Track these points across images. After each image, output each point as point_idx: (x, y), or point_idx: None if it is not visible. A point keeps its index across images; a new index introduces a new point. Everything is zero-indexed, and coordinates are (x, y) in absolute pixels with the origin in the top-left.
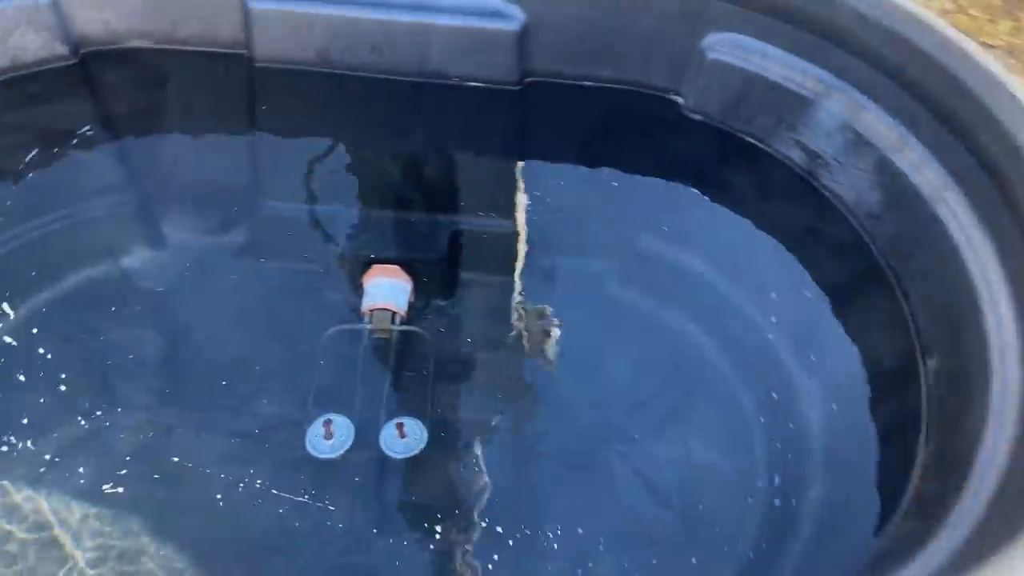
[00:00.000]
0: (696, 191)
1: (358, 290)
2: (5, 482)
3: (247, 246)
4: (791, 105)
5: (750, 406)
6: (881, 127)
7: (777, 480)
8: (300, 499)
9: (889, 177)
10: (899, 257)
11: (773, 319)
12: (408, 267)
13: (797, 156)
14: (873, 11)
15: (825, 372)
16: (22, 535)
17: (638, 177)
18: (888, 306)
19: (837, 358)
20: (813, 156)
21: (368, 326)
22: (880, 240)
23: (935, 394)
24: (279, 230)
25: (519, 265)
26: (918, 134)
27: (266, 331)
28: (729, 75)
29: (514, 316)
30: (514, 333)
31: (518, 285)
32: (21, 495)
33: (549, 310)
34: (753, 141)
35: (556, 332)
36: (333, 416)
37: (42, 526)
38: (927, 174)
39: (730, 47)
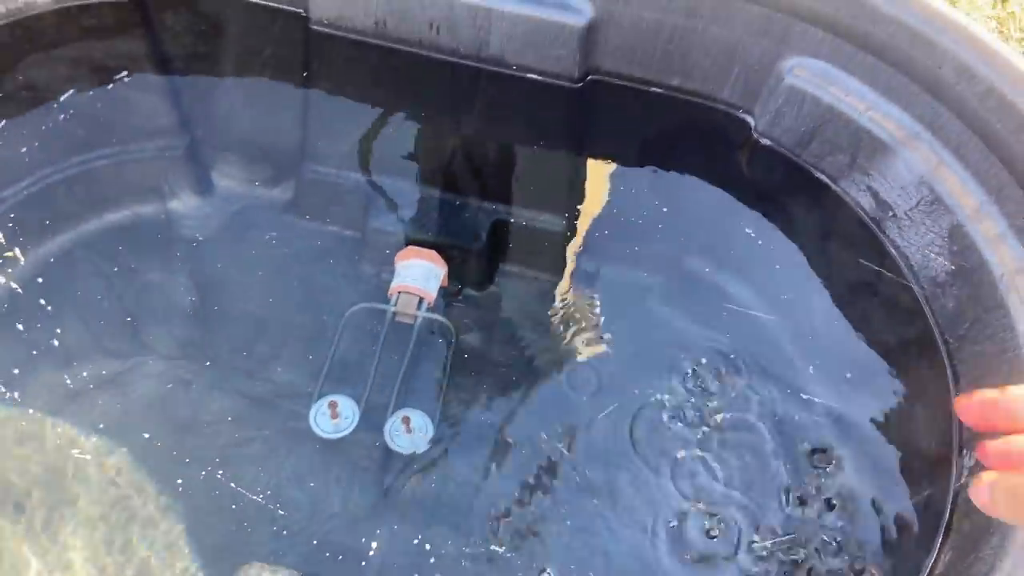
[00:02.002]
0: (754, 218)
1: (391, 267)
2: (27, 407)
3: (288, 205)
4: (869, 148)
5: (775, 455)
6: (962, 191)
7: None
8: (296, 471)
9: (961, 247)
10: (956, 335)
11: (812, 368)
12: (444, 252)
13: (866, 202)
14: (980, 67)
15: (856, 437)
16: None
17: (695, 193)
18: (935, 383)
19: (872, 425)
20: (883, 206)
21: (393, 308)
22: (939, 311)
23: (962, 498)
24: (320, 194)
25: (559, 266)
26: (1001, 207)
27: (293, 295)
28: (806, 103)
29: (542, 317)
30: (542, 337)
31: (556, 287)
32: (40, 422)
33: (598, 312)
34: (822, 177)
35: (577, 335)
36: (340, 398)
37: (54, 458)
38: (1003, 253)
39: (812, 74)
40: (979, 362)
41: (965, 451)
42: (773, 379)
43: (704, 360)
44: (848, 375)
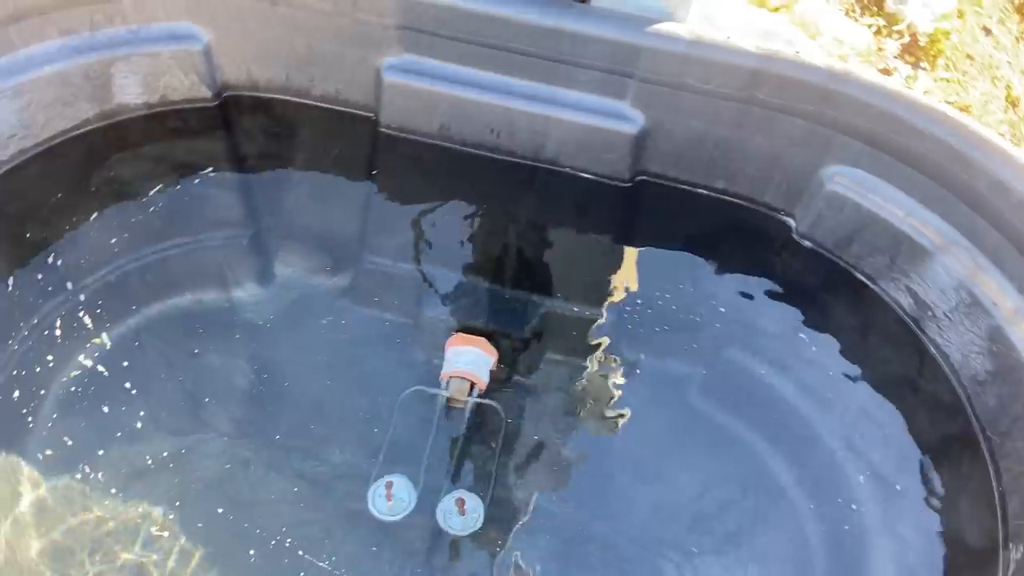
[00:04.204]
0: (794, 316)
1: (442, 353)
2: (91, 485)
3: (344, 293)
4: (907, 252)
5: (818, 546)
6: (1000, 295)
7: None
8: (352, 554)
9: (1000, 348)
10: (997, 431)
11: (855, 461)
12: (494, 339)
13: (906, 302)
14: (1013, 181)
15: (900, 532)
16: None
17: (736, 289)
18: (977, 478)
19: (915, 520)
20: (923, 307)
21: (445, 393)
22: (980, 408)
23: None
24: (376, 283)
25: (603, 354)
26: None
27: (348, 378)
28: (846, 208)
29: (587, 404)
30: (586, 422)
31: (600, 374)
32: (104, 501)
33: (616, 401)
34: (861, 277)
35: (621, 423)
36: (397, 478)
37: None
38: None
39: (852, 182)
40: (1022, 458)
41: (1011, 544)
42: (815, 472)
43: (744, 455)
44: (891, 468)
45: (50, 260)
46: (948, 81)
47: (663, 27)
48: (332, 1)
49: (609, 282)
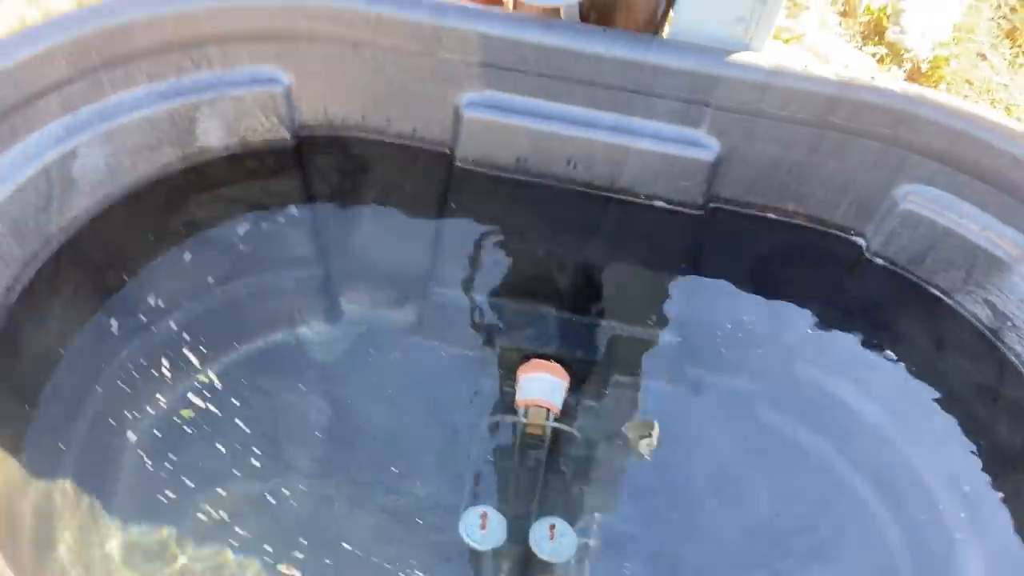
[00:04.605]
0: (867, 331)
1: (515, 381)
2: (175, 531)
3: (412, 327)
4: (984, 265)
5: (903, 559)
6: None
7: None
8: None
9: None
10: None
11: (935, 472)
12: (564, 365)
13: (983, 314)
14: None
15: (987, 541)
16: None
17: (806, 309)
18: None
19: (999, 527)
20: (1002, 317)
21: (523, 420)
22: None
23: None
24: (444, 315)
25: (671, 375)
26: None
27: (422, 411)
28: (920, 226)
29: (659, 425)
30: (659, 443)
31: (669, 394)
32: (189, 548)
33: (687, 421)
34: (936, 292)
35: (695, 442)
36: (488, 508)
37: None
38: None
39: (926, 200)
40: None
41: None
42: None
43: (821, 470)
44: (972, 476)
45: (129, 306)
46: None
47: (743, 57)
48: (417, 42)
49: (676, 306)
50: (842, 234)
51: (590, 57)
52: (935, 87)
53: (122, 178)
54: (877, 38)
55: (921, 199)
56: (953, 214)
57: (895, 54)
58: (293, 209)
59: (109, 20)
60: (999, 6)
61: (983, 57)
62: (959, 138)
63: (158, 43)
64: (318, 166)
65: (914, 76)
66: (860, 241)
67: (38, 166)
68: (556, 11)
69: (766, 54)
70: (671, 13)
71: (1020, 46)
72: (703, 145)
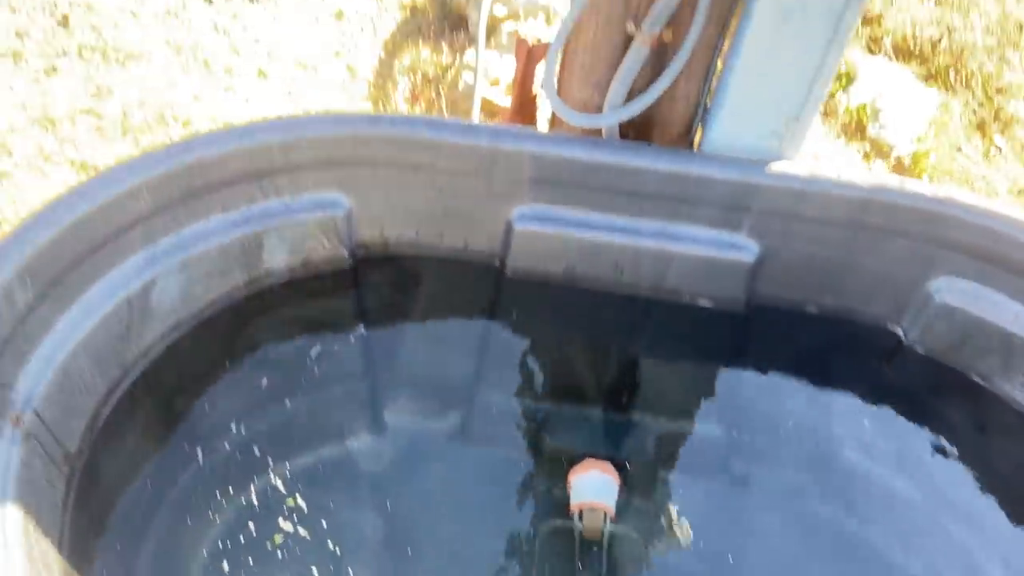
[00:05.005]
0: (910, 420)
1: (566, 484)
2: None
3: (456, 434)
4: (1020, 351)
5: None
6: None
7: None
8: None
9: None
10: None
11: (988, 556)
12: (615, 465)
13: (1023, 397)
14: None
15: None
16: None
17: (849, 400)
18: None
19: None
20: None
21: (580, 524)
22: None
23: None
24: (493, 421)
25: (719, 470)
26: None
27: (476, 519)
28: (955, 317)
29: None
30: (714, 538)
31: (718, 490)
32: None
33: (739, 516)
34: (976, 379)
35: (748, 537)
36: None
37: None
38: None
39: (959, 292)
40: None
41: None
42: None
43: (872, 558)
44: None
45: (191, 429)
46: None
47: (780, 166)
48: (473, 163)
49: (721, 402)
50: (881, 325)
51: (636, 171)
52: (919, 178)
53: (193, 304)
54: (860, 135)
55: (954, 291)
56: (986, 304)
57: (878, 150)
58: (347, 325)
59: (189, 156)
60: (967, 102)
61: (959, 150)
62: (986, 233)
63: (232, 175)
64: (372, 282)
65: (899, 170)
66: (898, 331)
67: (121, 297)
68: (598, 131)
69: (801, 162)
70: (703, 128)
71: (991, 138)
72: (743, 248)
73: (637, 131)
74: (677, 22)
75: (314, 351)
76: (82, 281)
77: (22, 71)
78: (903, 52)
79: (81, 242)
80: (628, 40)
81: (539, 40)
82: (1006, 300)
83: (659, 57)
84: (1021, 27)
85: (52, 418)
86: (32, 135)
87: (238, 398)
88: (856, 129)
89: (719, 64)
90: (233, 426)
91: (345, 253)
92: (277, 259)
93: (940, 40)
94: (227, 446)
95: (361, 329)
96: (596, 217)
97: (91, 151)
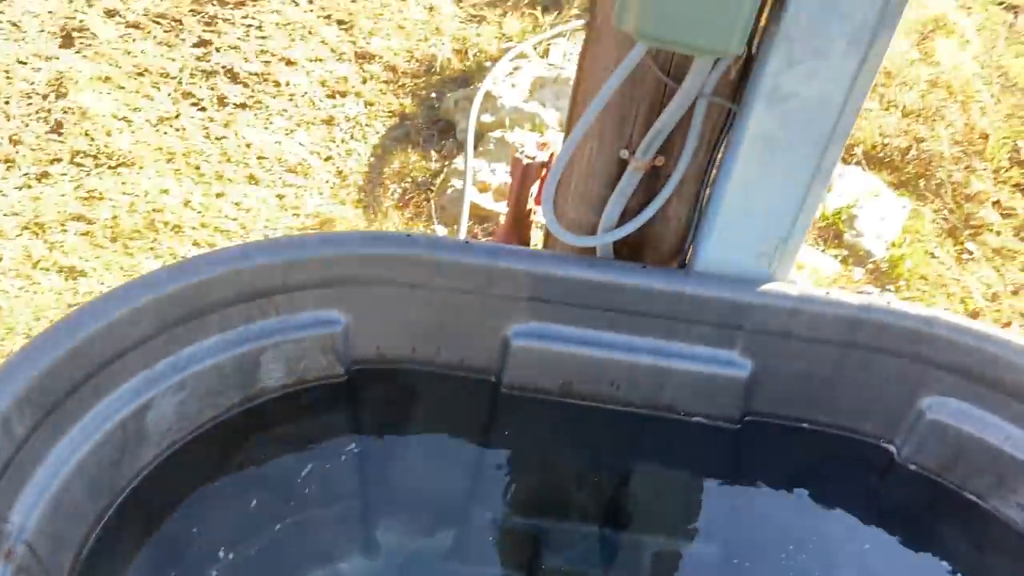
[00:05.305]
0: (907, 536)
1: None
2: None
3: (450, 553)
4: (1012, 471)
5: None
6: None
7: None
8: None
9: None
10: None
11: None
12: None
13: (1019, 517)
14: None
15: None
16: None
17: (843, 517)
18: None
19: None
20: None
21: None
22: None
23: None
24: (487, 540)
25: None
26: None
27: None
28: (946, 435)
29: None
30: None
31: None
32: None
33: None
34: (971, 496)
35: None
36: None
37: None
38: None
39: (949, 410)
40: None
41: None
42: None
43: None
44: None
45: (178, 557)
46: (913, 299)
47: (772, 286)
48: (471, 281)
49: (719, 517)
50: (873, 441)
51: (630, 289)
52: (896, 284)
53: (188, 424)
54: (837, 241)
55: (945, 410)
56: (977, 423)
57: (856, 256)
58: (341, 441)
59: (192, 277)
60: (938, 209)
61: (933, 255)
62: (971, 353)
63: (232, 296)
64: (367, 398)
65: (877, 275)
66: (891, 449)
67: (116, 421)
68: (592, 250)
69: (792, 282)
70: (694, 248)
71: (962, 244)
72: (738, 365)
73: (631, 249)
74: (669, 149)
75: (306, 469)
76: (79, 407)
77: (13, 176)
78: (874, 161)
79: (80, 368)
80: (622, 164)
81: (533, 159)
82: (996, 419)
83: (652, 180)
84: (986, 137)
85: (43, 550)
86: (21, 241)
87: (227, 521)
88: (833, 235)
89: (709, 188)
90: (222, 552)
91: (341, 369)
92: (273, 377)
93: (909, 149)
94: (215, 575)
95: (354, 446)
96: (592, 334)
97: (80, 258)
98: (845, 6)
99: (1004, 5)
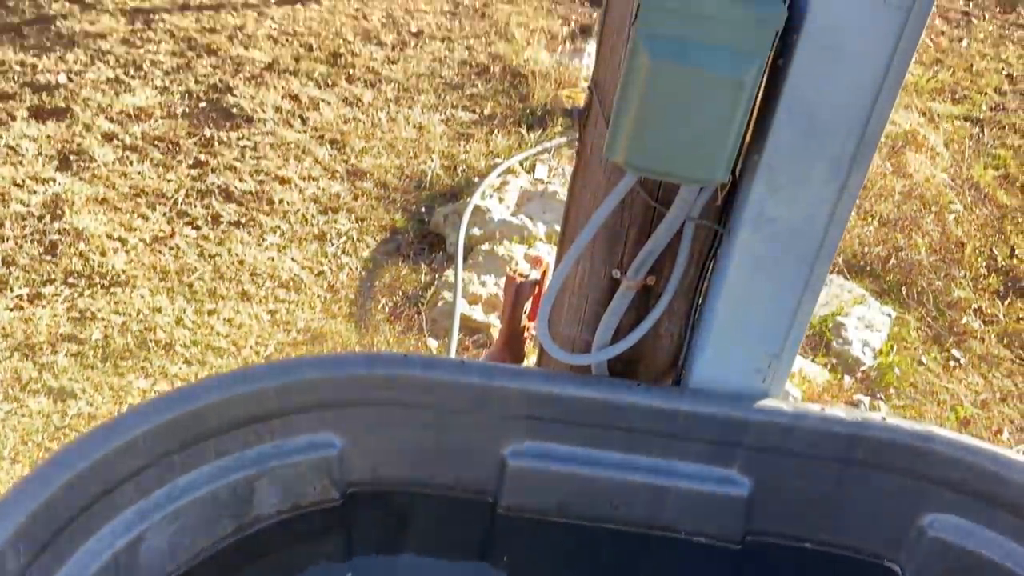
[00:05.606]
0: None
1: None
2: None
3: None
4: None
5: None
6: None
7: None
8: None
9: None
10: None
11: None
12: None
13: None
14: None
15: None
16: None
17: None
18: None
19: None
20: None
21: None
22: None
23: None
24: None
25: None
26: None
27: None
28: (949, 552)
29: None
30: None
31: None
32: None
33: None
34: None
35: None
36: None
37: None
38: None
39: (949, 527)
40: None
41: None
42: None
43: None
44: None
45: None
46: (904, 407)
47: (767, 403)
48: (466, 401)
49: None
50: (877, 561)
51: (626, 407)
52: (886, 392)
53: (180, 556)
54: (825, 350)
55: (946, 527)
56: (978, 540)
57: (845, 364)
58: (336, 570)
59: (188, 405)
60: (921, 317)
61: (920, 363)
62: (969, 469)
63: (228, 422)
64: (362, 521)
65: (867, 384)
66: (896, 568)
67: (108, 556)
68: (587, 367)
69: (788, 399)
70: (688, 364)
71: (948, 351)
72: (736, 482)
73: (625, 365)
74: (659, 268)
75: None
76: (72, 542)
77: (5, 298)
78: (855, 270)
79: (76, 501)
80: (614, 284)
81: (526, 277)
82: (996, 536)
83: (644, 298)
84: (962, 246)
85: None
86: (11, 363)
87: None
88: (821, 344)
89: (701, 305)
90: None
91: (336, 494)
92: (268, 504)
93: (888, 258)
94: None
95: (348, 572)
96: (589, 453)
97: (70, 379)
98: (824, 136)
99: (969, 120)
